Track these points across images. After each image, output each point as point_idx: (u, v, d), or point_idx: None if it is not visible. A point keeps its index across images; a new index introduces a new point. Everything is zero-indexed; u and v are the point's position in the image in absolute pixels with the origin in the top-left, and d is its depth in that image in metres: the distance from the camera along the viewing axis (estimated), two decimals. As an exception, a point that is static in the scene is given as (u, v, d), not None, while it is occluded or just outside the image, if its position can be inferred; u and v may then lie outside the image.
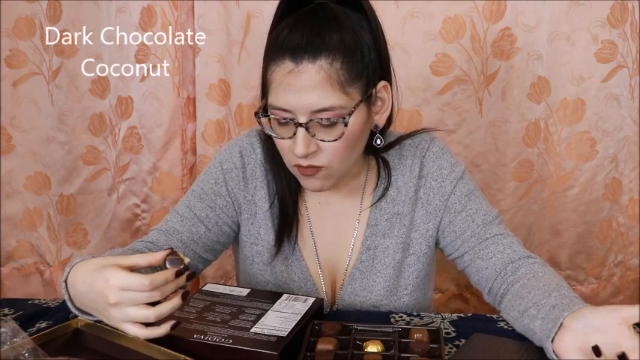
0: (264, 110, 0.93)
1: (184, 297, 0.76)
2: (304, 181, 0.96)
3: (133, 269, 0.76)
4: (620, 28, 1.53)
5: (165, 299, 0.75)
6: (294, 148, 0.89)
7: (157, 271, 0.76)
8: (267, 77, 0.90)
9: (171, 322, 0.76)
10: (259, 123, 0.94)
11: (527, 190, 1.65)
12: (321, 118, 0.87)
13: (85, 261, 0.80)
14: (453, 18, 1.52)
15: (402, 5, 1.52)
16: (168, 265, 0.76)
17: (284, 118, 0.89)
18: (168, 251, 0.77)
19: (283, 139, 0.91)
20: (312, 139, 0.89)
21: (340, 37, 0.87)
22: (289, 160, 0.94)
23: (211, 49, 1.60)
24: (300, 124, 0.88)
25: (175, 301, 0.75)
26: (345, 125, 0.88)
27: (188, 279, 0.77)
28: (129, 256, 0.77)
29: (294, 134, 0.89)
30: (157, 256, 0.76)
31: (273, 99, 0.89)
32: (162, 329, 0.75)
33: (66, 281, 0.81)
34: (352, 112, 0.88)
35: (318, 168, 0.92)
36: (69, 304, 0.82)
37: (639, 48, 1.55)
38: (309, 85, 0.86)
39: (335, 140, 0.89)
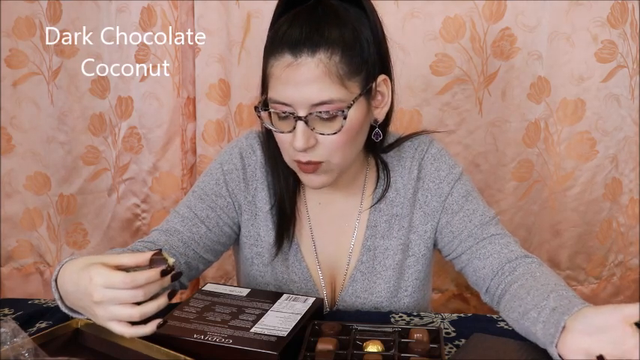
0: (264, 104, 0.93)
1: (171, 296, 0.76)
2: (304, 178, 0.96)
3: (119, 269, 0.75)
4: (620, 28, 1.53)
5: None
6: (293, 142, 0.89)
7: None
8: (267, 72, 0.91)
9: (158, 321, 0.75)
10: (259, 117, 0.94)
11: (527, 190, 1.65)
12: (320, 112, 0.87)
13: (73, 260, 0.80)
14: (453, 18, 1.52)
15: (402, 5, 1.52)
16: (152, 266, 0.76)
17: (284, 112, 0.90)
18: (154, 252, 0.77)
19: (283, 132, 0.91)
20: (311, 132, 0.89)
21: (339, 32, 0.87)
22: (290, 155, 0.94)
23: (211, 49, 1.60)
24: (300, 118, 0.88)
25: (160, 300, 0.75)
26: (345, 118, 0.88)
27: (173, 279, 0.77)
28: (116, 255, 0.77)
29: (294, 128, 0.89)
30: (144, 255, 0.76)
31: (273, 93, 0.89)
32: (148, 328, 0.75)
33: (56, 280, 0.81)
34: (351, 105, 0.89)
35: (317, 164, 0.92)
36: (59, 303, 0.82)
37: (639, 48, 1.55)
38: (308, 79, 0.86)
39: (334, 134, 0.89)
